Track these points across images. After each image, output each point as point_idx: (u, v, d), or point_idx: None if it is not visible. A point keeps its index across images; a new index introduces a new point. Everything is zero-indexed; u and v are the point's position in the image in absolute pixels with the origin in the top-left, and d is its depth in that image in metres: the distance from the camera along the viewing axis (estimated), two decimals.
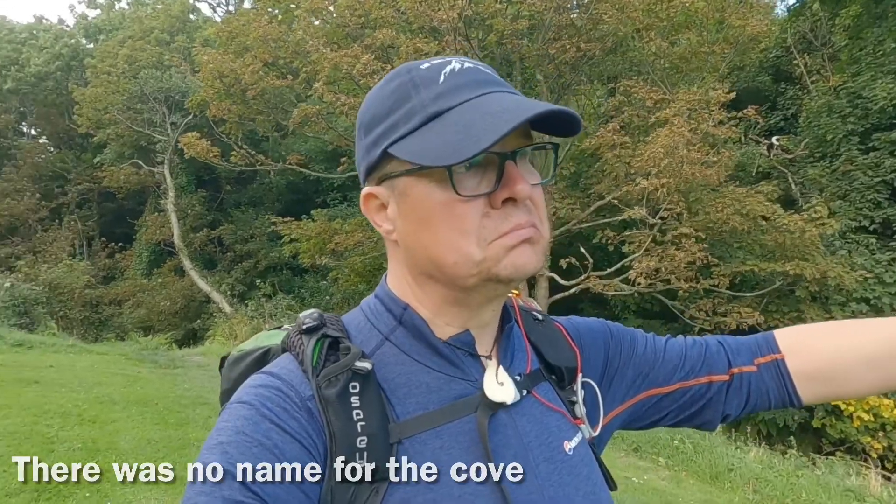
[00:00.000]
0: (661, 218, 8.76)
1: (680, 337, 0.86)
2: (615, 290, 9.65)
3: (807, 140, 12.52)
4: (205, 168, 16.52)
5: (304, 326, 0.66)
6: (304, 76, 10.92)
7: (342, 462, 0.58)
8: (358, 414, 0.59)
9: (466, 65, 0.64)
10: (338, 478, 0.58)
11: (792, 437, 8.35)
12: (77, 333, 15.31)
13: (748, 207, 8.91)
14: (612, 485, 0.74)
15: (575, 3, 10.35)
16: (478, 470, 0.61)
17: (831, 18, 15.48)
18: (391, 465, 0.59)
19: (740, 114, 9.49)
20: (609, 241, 9.82)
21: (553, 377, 0.75)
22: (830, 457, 8.17)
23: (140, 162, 19.27)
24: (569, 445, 0.70)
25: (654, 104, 9.40)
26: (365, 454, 0.58)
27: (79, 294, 17.58)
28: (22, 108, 25.25)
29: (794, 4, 16.22)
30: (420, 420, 0.62)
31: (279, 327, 0.82)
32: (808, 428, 10.62)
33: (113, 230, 22.19)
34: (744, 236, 9.59)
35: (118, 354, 11.34)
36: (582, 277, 9.70)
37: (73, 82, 20.53)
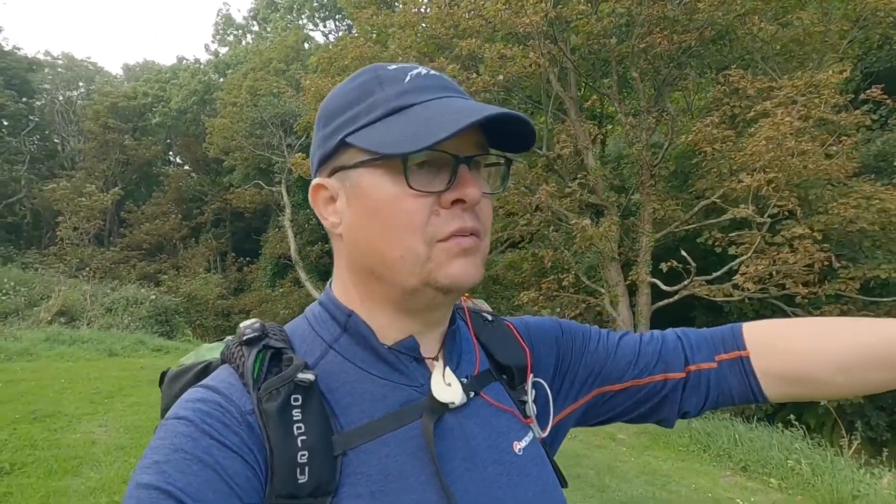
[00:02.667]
0: (771, 216, 7.99)
1: (637, 333, 0.85)
2: (724, 296, 8.92)
3: None
4: None
5: (245, 337, 0.64)
6: None
7: (282, 478, 0.57)
8: (299, 427, 0.58)
9: (432, 72, 0.67)
10: (278, 493, 0.57)
11: None
12: (209, 339, 16.83)
13: (881, 204, 7.87)
14: (563, 482, 0.74)
15: None
16: (424, 477, 0.60)
17: None
18: (334, 478, 0.58)
19: (864, 95, 8.41)
20: (717, 243, 9.11)
21: (504, 377, 0.75)
22: None
23: (261, 182, 21.02)
24: (518, 446, 0.70)
25: (758, 93, 8.65)
26: (306, 469, 0.57)
27: (212, 304, 19.45)
28: (168, 140, 28.60)
29: None
30: (364, 429, 0.61)
31: (221, 339, 0.81)
32: None
33: (243, 246, 24.33)
34: (879, 235, 8.49)
35: None
36: (685, 282, 9.09)
37: (205, 114, 22.90)
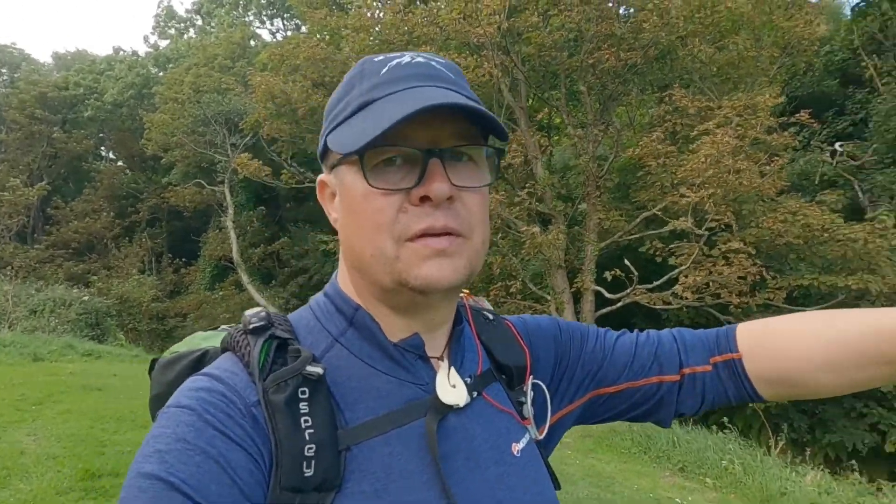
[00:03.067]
0: (709, 230, 8.44)
1: (633, 333, 0.85)
2: (663, 304, 9.32)
3: (876, 145, 11.79)
4: (264, 186, 17.20)
5: (251, 326, 0.62)
6: None
7: (288, 471, 0.56)
8: (306, 421, 0.57)
9: (417, 59, 0.64)
10: (283, 486, 0.56)
11: (854, 461, 7.77)
12: (143, 344, 16.18)
13: (805, 219, 8.46)
14: (556, 484, 0.74)
15: (617, 12, 10.22)
16: (426, 477, 0.60)
17: None
18: (339, 473, 0.57)
19: (794, 118, 9.04)
20: (658, 253, 9.53)
21: (503, 377, 0.75)
22: None
23: (203, 182, 20.28)
24: (517, 447, 0.70)
25: (698, 112, 9.14)
26: (313, 463, 0.56)
27: (146, 307, 18.60)
28: (101, 134, 27.18)
29: (858, 4, 15.38)
30: (369, 425, 0.61)
31: (215, 328, 0.80)
32: (881, 453, 9.81)
33: (180, 247, 23.38)
34: (803, 248, 9.10)
35: None
36: (628, 290, 9.44)
37: (143, 109, 21.93)
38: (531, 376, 0.76)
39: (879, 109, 12.30)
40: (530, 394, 0.75)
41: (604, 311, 10.44)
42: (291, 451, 0.55)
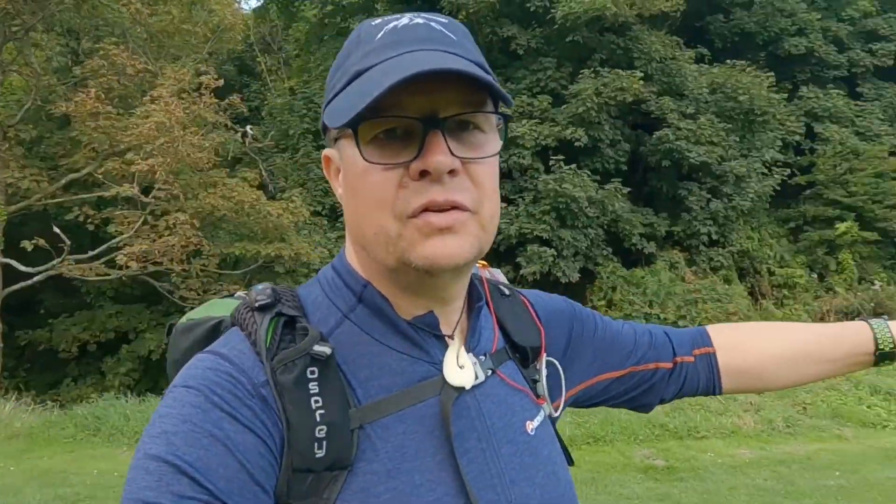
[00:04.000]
0: (156, 198, 8.40)
1: (627, 322, 0.90)
2: (98, 275, 8.66)
3: (273, 133, 14.18)
4: None
5: (257, 304, 0.60)
6: None
7: (300, 452, 0.55)
8: (317, 401, 0.56)
9: (415, 21, 0.59)
10: (294, 467, 0.55)
11: None
12: None
13: (237, 196, 9.51)
14: (570, 460, 0.76)
15: None
16: (439, 458, 0.59)
17: (286, 28, 17.88)
18: (351, 452, 0.56)
19: (227, 101, 9.98)
20: (89, 220, 8.70)
21: (517, 355, 0.74)
22: None
23: None
24: (531, 425, 0.69)
25: (137, 73, 8.84)
26: (324, 444, 0.55)
27: None
28: None
29: (258, 6, 17.88)
30: (382, 404, 0.59)
31: (232, 295, 0.75)
32: None
33: None
34: (233, 220, 10.21)
35: None
36: (56, 262, 8.27)
37: None
38: (545, 354, 0.76)
39: (273, 102, 14.82)
40: (545, 371, 0.75)
41: (15, 287, 8.74)
42: (302, 433, 0.54)
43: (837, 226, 14.35)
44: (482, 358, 0.68)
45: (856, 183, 14.37)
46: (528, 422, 0.69)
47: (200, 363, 0.58)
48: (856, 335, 0.86)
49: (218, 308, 0.71)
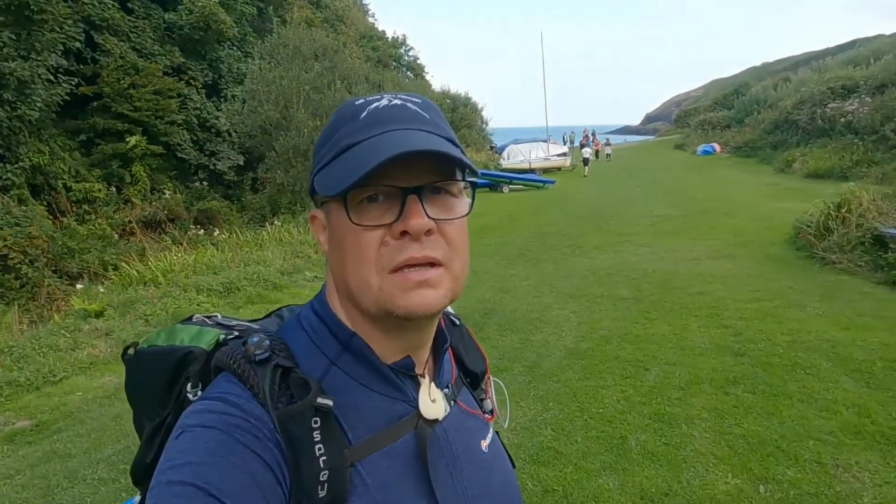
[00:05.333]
0: None
1: None
2: None
3: None
4: None
5: (257, 358, 0.65)
6: None
7: (306, 495, 0.60)
8: (320, 449, 0.61)
9: (394, 101, 0.68)
10: None
11: None
12: None
13: None
14: (512, 463, 0.86)
15: None
16: (417, 487, 0.67)
17: None
18: (346, 488, 0.62)
19: None
20: None
21: (468, 379, 0.85)
22: None
23: None
24: (485, 444, 0.79)
25: None
26: (326, 485, 0.60)
27: None
28: None
29: None
30: (369, 443, 0.66)
31: (191, 319, 0.79)
32: None
33: None
34: None
35: None
36: None
37: None
38: (490, 376, 0.89)
39: None
40: (491, 390, 0.89)
41: None
42: (309, 478, 0.60)
43: (128, 139, 14.96)
44: (446, 391, 0.77)
45: (139, 98, 15.20)
46: (482, 441, 0.79)
47: (214, 407, 0.61)
48: None
49: (181, 335, 0.75)
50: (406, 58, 36.24)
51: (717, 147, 29.06)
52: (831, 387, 4.30)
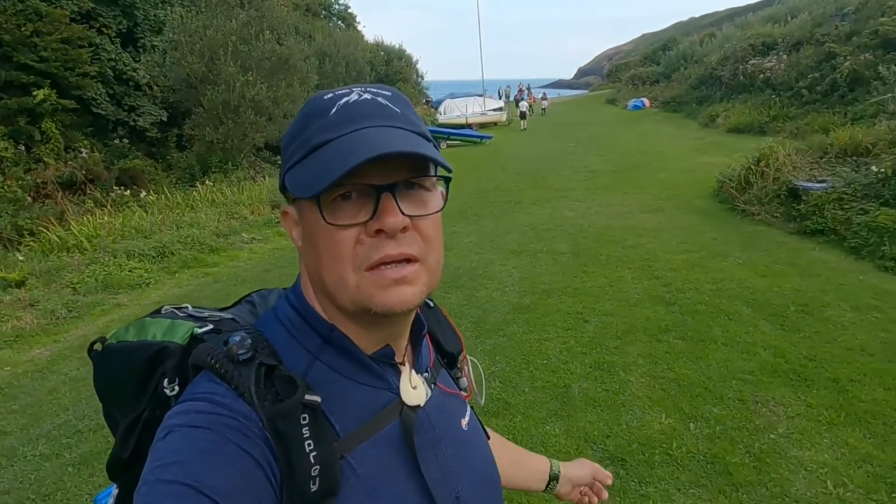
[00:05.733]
0: None
1: None
2: None
3: None
4: None
5: (240, 358, 0.64)
6: None
7: (298, 490, 0.60)
8: (309, 444, 0.61)
9: (364, 96, 0.67)
10: (293, 501, 0.60)
11: None
12: None
13: None
14: (487, 436, 0.88)
15: None
16: (405, 471, 0.69)
17: None
18: (337, 481, 0.63)
19: None
20: None
21: (445, 360, 0.86)
22: None
23: None
24: (464, 422, 0.81)
25: None
26: (318, 479, 0.61)
27: None
28: None
29: None
30: (357, 434, 0.67)
31: (158, 311, 0.77)
32: None
33: None
34: None
35: None
36: None
37: None
38: (465, 354, 0.90)
39: None
40: (468, 368, 0.90)
41: None
42: (300, 474, 0.60)
43: (35, 92, 13.74)
44: (426, 375, 0.78)
45: (45, 48, 13.91)
46: (462, 420, 0.81)
47: (201, 407, 0.61)
48: (541, 465, 1.15)
49: (152, 329, 0.73)
50: (336, 6, 34.72)
51: (646, 102, 29.86)
52: (751, 331, 4.70)
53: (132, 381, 0.71)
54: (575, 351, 4.58)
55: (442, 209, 0.69)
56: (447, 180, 0.70)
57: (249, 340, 0.66)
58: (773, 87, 18.73)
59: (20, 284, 6.99)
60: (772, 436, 3.33)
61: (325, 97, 0.68)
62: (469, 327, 5.14)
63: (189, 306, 0.79)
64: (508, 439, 3.50)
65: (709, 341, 4.57)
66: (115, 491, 0.79)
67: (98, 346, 0.76)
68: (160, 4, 17.23)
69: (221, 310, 0.80)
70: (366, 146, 0.60)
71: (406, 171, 0.64)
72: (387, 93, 0.69)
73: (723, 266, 6.28)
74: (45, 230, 9.47)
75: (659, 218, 8.61)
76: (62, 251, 8.33)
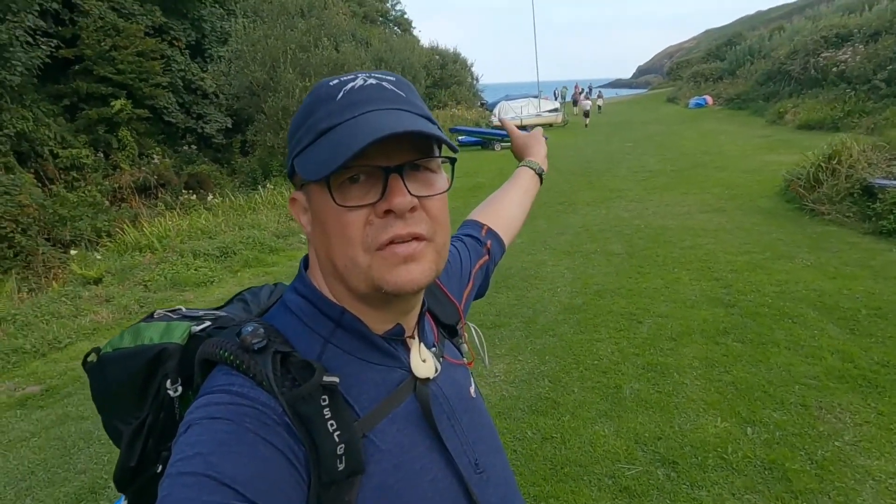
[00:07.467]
0: None
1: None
2: None
3: None
4: None
5: (255, 347, 0.65)
6: None
7: (326, 471, 0.61)
8: (332, 425, 0.63)
9: (369, 81, 0.68)
10: (322, 483, 0.61)
11: None
12: None
13: None
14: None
15: None
16: (428, 443, 0.72)
17: None
18: (362, 459, 0.64)
19: None
20: None
21: (445, 331, 0.89)
22: None
23: None
24: (472, 390, 0.84)
25: None
26: (344, 458, 0.62)
27: None
28: None
29: None
30: (376, 413, 0.68)
31: (151, 316, 0.78)
32: None
33: None
34: None
35: None
36: None
37: None
38: (464, 321, 0.93)
39: None
40: (474, 333, 0.96)
41: None
42: (326, 454, 0.62)
43: (113, 103, 14.67)
44: (433, 349, 0.80)
45: (122, 60, 14.83)
46: (469, 388, 0.85)
47: (219, 399, 0.61)
48: (528, 174, 1.29)
49: (148, 333, 0.73)
50: (393, 13, 35.34)
51: (709, 99, 28.82)
52: (817, 334, 4.47)
53: (133, 387, 0.72)
54: (627, 352, 4.49)
55: (448, 190, 0.71)
56: (452, 163, 0.73)
57: (262, 330, 0.67)
58: (847, 80, 17.71)
59: (98, 282, 7.48)
60: (837, 443, 3.17)
61: (331, 83, 0.69)
62: (519, 327, 5.13)
63: (182, 308, 0.81)
64: (557, 439, 3.42)
65: (770, 344, 4.38)
66: (124, 501, 0.79)
67: (93, 358, 0.76)
68: (225, 16, 18.04)
69: (215, 309, 0.82)
70: (373, 128, 0.61)
71: (412, 153, 0.66)
72: (391, 78, 0.71)
73: (788, 268, 6.00)
74: (120, 231, 10.10)
75: (720, 218, 8.30)
76: (135, 251, 8.86)
